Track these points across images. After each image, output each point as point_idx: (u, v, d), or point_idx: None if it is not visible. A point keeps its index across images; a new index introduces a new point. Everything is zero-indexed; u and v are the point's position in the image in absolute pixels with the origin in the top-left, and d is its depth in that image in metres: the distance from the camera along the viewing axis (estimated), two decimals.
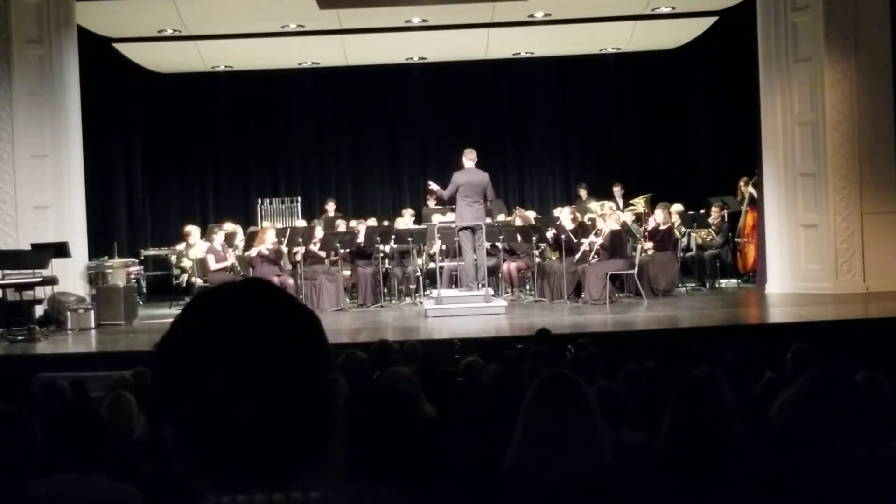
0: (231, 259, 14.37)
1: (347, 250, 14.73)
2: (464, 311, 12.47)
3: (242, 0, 14.44)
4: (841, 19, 13.19)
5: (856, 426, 2.94)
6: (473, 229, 13.15)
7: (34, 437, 3.17)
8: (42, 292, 12.42)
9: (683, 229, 15.42)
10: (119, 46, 16.37)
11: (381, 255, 14.60)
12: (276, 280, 12.87)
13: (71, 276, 13.14)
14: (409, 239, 14.58)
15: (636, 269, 13.71)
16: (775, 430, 3.01)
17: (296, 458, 1.18)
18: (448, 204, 13.73)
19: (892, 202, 13.26)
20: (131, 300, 13.68)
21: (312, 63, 17.91)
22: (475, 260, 13.25)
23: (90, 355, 10.68)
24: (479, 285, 13.18)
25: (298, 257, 14.23)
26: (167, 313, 14.23)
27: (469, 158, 13.27)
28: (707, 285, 15.21)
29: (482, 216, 13.20)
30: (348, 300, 14.59)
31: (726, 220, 15.84)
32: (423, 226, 15.23)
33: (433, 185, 13.99)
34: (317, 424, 1.20)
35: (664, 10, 15.71)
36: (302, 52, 17.23)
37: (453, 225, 13.52)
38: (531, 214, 15.76)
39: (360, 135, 19.27)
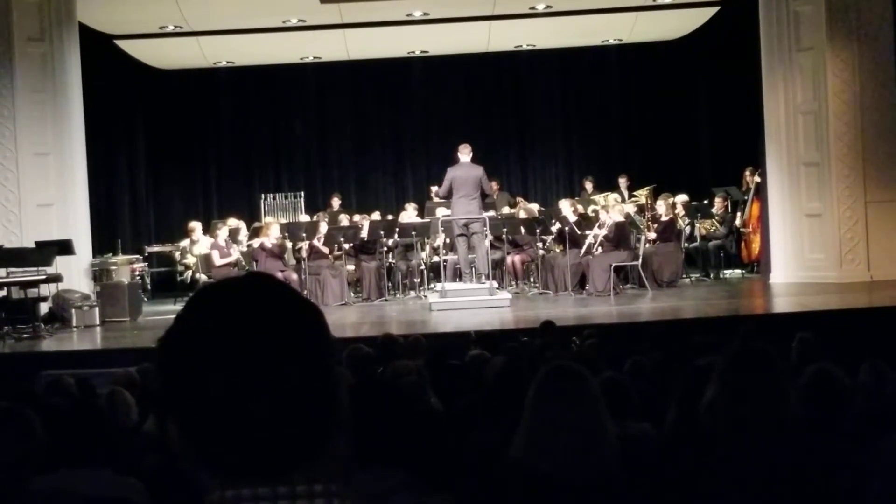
0: (235, 254, 14.39)
1: (351, 245, 14.73)
2: (468, 304, 12.48)
3: None
4: (842, 8, 13.16)
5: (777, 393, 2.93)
6: (467, 224, 13.20)
7: (36, 434, 3.17)
8: (46, 290, 12.43)
9: (687, 220, 15.41)
10: (120, 43, 16.37)
11: (385, 249, 14.60)
12: (279, 275, 12.87)
13: (75, 273, 13.15)
14: (413, 233, 14.58)
15: (640, 260, 13.71)
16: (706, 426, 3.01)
17: (300, 451, 1.19)
18: (446, 199, 13.80)
19: None
20: (136, 297, 13.70)
21: (314, 58, 17.89)
22: (469, 253, 13.32)
23: (95, 352, 10.69)
24: (484, 277, 13.24)
25: (303, 253, 14.22)
26: (172, 309, 14.21)
27: (464, 153, 13.30)
28: (711, 276, 15.20)
29: (475, 210, 13.19)
30: (352, 295, 14.59)
31: (730, 210, 15.84)
32: (426, 219, 15.23)
33: (434, 188, 14.10)
34: (321, 418, 1.20)
35: (666, 0, 15.69)
36: (303, 47, 17.21)
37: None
38: (535, 207, 15.78)
39: (362, 129, 19.27)
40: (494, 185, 15.85)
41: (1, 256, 11.95)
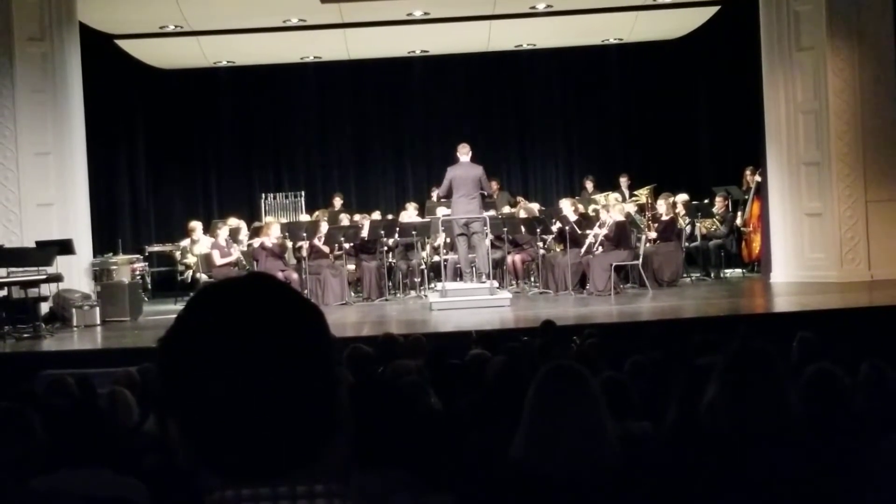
0: (235, 254, 14.39)
1: (351, 244, 14.74)
2: (469, 303, 12.49)
3: None
4: (843, 7, 13.16)
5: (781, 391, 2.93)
6: (468, 223, 13.22)
7: (36, 434, 3.17)
8: (47, 290, 12.43)
9: (688, 219, 15.41)
10: (121, 43, 16.37)
11: (386, 248, 14.60)
12: (280, 275, 12.86)
13: (76, 273, 13.15)
14: (414, 232, 14.59)
15: (640, 259, 13.71)
16: (707, 425, 3.02)
17: (300, 451, 1.19)
18: (446, 199, 13.84)
19: None
20: (136, 296, 13.70)
21: (314, 57, 17.89)
22: (469, 252, 13.35)
23: (96, 352, 10.69)
24: (484, 277, 13.25)
25: (304, 253, 14.23)
26: (172, 309, 14.21)
27: (462, 153, 13.33)
28: (712, 275, 15.20)
29: (476, 209, 13.21)
30: (353, 294, 14.59)
31: (730, 209, 15.84)
32: (426, 219, 15.24)
33: (434, 192, 14.27)
34: (321, 417, 1.20)
35: (666, 0, 15.69)
36: (304, 47, 17.22)
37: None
38: (535, 206, 15.79)
39: (362, 128, 19.28)
40: (494, 185, 15.87)
41: (1, 256, 11.96)
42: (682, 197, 15.68)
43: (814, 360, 4.37)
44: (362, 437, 2.46)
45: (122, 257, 14.64)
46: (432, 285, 14.45)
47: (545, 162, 19.62)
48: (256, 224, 16.00)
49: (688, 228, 15.32)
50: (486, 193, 13.61)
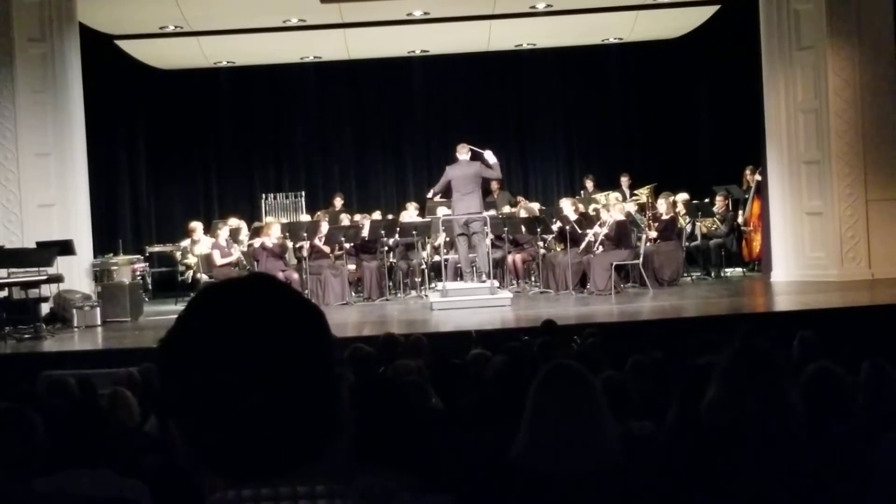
0: (236, 254, 14.39)
1: (352, 244, 14.74)
2: (469, 303, 12.50)
3: None
4: (843, 6, 13.16)
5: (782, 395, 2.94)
6: (468, 222, 13.23)
7: (37, 435, 3.17)
8: (48, 290, 12.43)
9: (688, 218, 15.41)
10: (121, 43, 16.36)
11: (386, 248, 14.60)
12: (280, 275, 12.86)
13: (76, 273, 13.15)
14: (414, 232, 14.59)
15: (641, 259, 13.70)
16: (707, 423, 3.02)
17: (301, 451, 1.19)
18: (444, 197, 13.85)
19: None
20: (137, 297, 13.69)
21: (315, 57, 17.87)
22: (469, 252, 13.38)
23: (96, 352, 10.70)
24: (485, 276, 13.25)
25: (304, 253, 14.22)
26: (173, 310, 14.21)
27: (462, 152, 13.37)
28: (712, 274, 15.20)
29: (476, 206, 13.21)
30: (353, 294, 14.59)
31: (731, 208, 15.84)
32: (427, 219, 15.24)
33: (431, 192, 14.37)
34: (322, 418, 1.21)
35: None
36: (304, 47, 17.21)
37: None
38: (535, 206, 15.79)
39: (363, 128, 19.27)
40: (495, 184, 15.98)
41: (2, 257, 11.96)
42: (683, 196, 15.68)
43: (814, 360, 4.37)
44: (363, 437, 2.46)
45: (122, 258, 14.65)
46: (433, 285, 14.44)
47: (545, 162, 19.61)
48: (257, 224, 15.99)
49: (688, 228, 15.32)
50: (490, 179, 13.69)
